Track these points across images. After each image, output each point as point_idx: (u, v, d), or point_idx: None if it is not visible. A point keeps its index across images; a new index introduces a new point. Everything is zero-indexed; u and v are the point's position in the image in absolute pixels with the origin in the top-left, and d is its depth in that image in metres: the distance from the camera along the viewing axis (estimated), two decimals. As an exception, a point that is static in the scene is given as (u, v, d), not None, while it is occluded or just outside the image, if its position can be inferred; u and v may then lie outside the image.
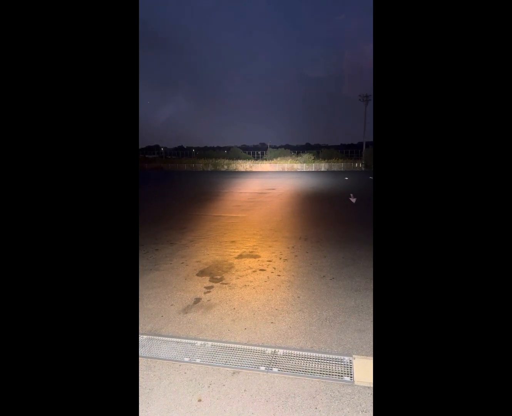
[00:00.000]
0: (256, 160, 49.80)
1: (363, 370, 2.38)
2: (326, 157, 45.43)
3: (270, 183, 21.28)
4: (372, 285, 3.88)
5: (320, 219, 8.66)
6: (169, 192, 16.83)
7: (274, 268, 4.69)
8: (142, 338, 2.87)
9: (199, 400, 2.12)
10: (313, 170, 41.62)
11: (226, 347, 2.72)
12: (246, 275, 4.43)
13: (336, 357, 2.55)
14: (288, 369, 2.41)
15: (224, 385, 2.26)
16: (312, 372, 2.37)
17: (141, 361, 2.54)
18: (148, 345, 2.75)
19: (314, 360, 2.52)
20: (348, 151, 49.78)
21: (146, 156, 60.39)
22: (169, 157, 59.46)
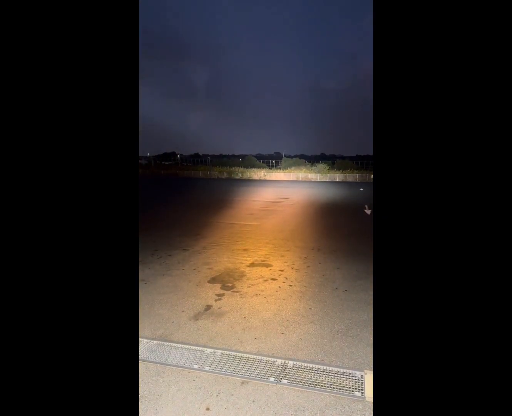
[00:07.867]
0: (271, 169, 49.78)
1: (375, 386, 2.31)
2: (341, 168, 45.06)
3: (284, 192, 21.24)
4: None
5: (334, 230, 8.57)
6: (184, 198, 17.02)
7: (286, 278, 4.65)
8: (152, 343, 2.89)
9: (207, 409, 2.10)
10: (327, 180, 41.33)
11: (236, 356, 2.70)
12: (258, 284, 4.41)
13: (347, 371, 2.50)
14: (298, 382, 2.37)
15: (232, 395, 2.24)
16: (322, 386, 2.32)
17: (151, 367, 2.55)
18: (158, 351, 2.76)
19: (324, 373, 2.47)
20: (363, 162, 49.26)
21: (163, 162, 61.34)
22: (185, 164, 60.23)
